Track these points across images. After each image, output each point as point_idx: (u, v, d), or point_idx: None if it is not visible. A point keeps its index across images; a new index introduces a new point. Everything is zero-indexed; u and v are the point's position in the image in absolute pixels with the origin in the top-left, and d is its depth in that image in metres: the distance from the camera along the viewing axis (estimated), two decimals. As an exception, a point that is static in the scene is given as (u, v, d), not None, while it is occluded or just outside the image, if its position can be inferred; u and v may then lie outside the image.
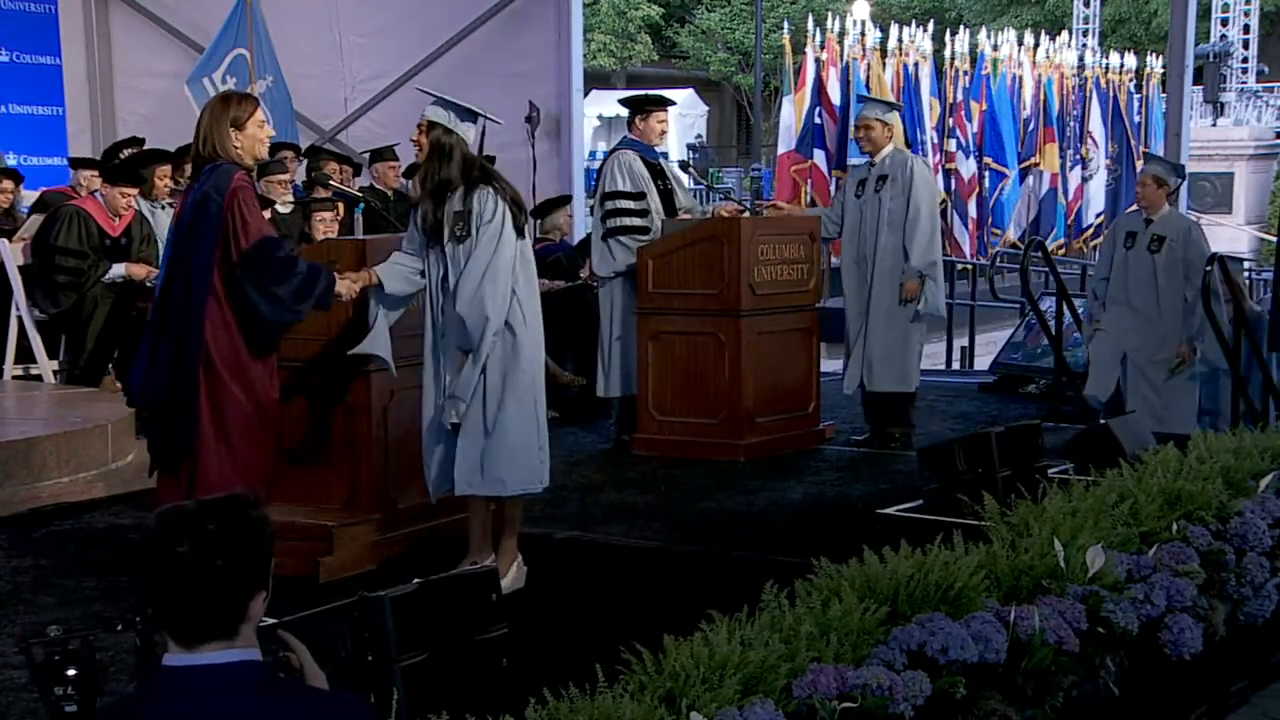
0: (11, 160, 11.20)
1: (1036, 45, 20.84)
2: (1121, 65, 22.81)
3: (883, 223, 8.20)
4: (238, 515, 2.50)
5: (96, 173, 9.35)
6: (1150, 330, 8.47)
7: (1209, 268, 8.60)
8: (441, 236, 5.48)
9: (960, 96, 19.11)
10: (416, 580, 3.84)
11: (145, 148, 9.79)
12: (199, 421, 5.10)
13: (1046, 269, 11.85)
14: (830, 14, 18.84)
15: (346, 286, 5.45)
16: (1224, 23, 33.05)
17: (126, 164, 9.27)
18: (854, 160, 16.16)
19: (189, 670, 2.44)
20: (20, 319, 8.81)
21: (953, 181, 18.66)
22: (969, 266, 16.70)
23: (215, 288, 5.09)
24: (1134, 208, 9.04)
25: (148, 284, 8.58)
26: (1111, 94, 22.42)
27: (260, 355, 5.19)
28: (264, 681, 2.48)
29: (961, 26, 24.35)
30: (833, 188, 16.81)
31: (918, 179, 8.25)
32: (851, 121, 16.42)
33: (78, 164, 10.38)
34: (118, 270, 8.62)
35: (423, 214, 5.56)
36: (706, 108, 41.64)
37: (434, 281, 5.55)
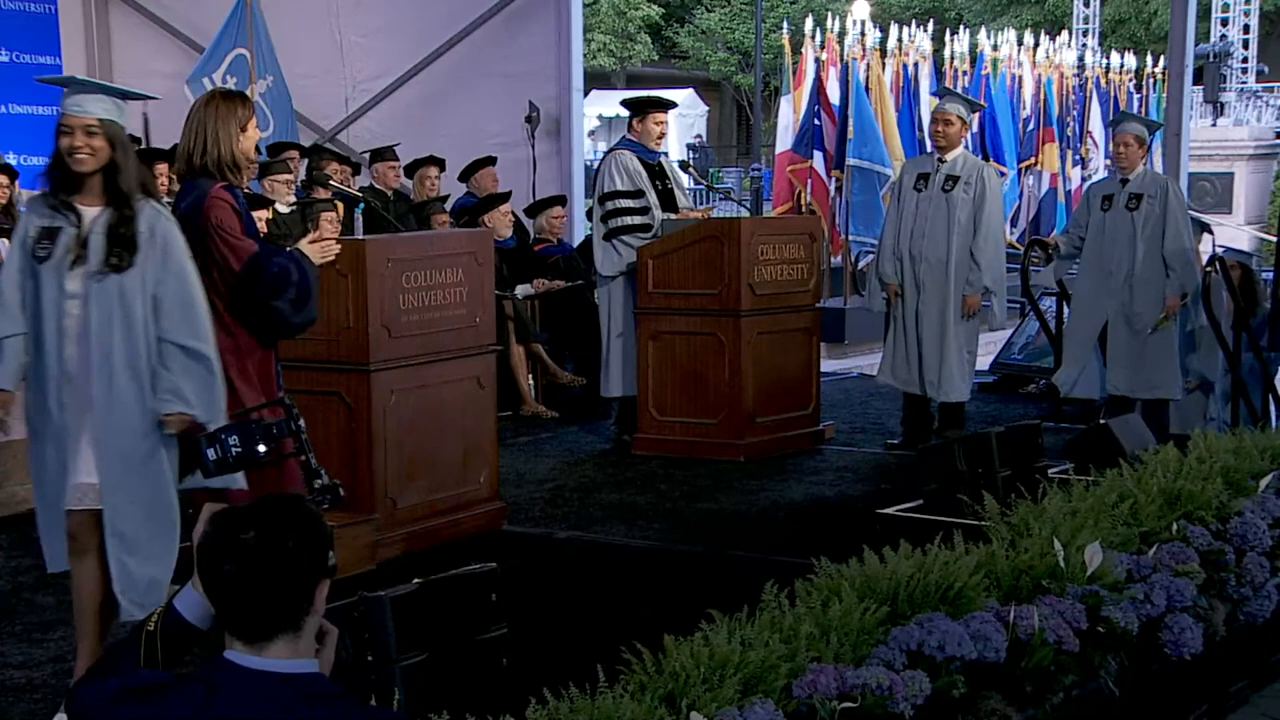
0: (12, 160, 11.19)
1: (1036, 45, 20.83)
2: (1121, 65, 22.81)
3: (954, 227, 8.09)
4: (294, 505, 2.57)
5: None
6: (1129, 290, 8.29)
7: (1210, 268, 8.58)
8: (85, 261, 4.29)
9: (959, 97, 19.10)
10: (416, 580, 3.84)
11: (144, 147, 9.81)
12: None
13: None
14: (830, 14, 18.84)
15: (318, 250, 5.20)
16: (1224, 23, 33.05)
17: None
18: (855, 160, 16.18)
19: (253, 674, 2.44)
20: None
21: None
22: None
23: None
24: (1107, 175, 8.93)
25: None
26: (1111, 94, 22.41)
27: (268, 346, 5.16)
28: (320, 694, 2.49)
29: (961, 26, 24.36)
30: (831, 189, 16.81)
31: (991, 190, 8.20)
32: (851, 122, 16.45)
33: None
34: None
35: (63, 233, 4.32)
36: (706, 108, 41.69)
37: (61, 321, 4.30)
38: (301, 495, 2.63)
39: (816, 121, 16.86)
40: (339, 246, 5.43)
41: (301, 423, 3.49)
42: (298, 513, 2.54)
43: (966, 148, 8.57)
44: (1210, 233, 9.95)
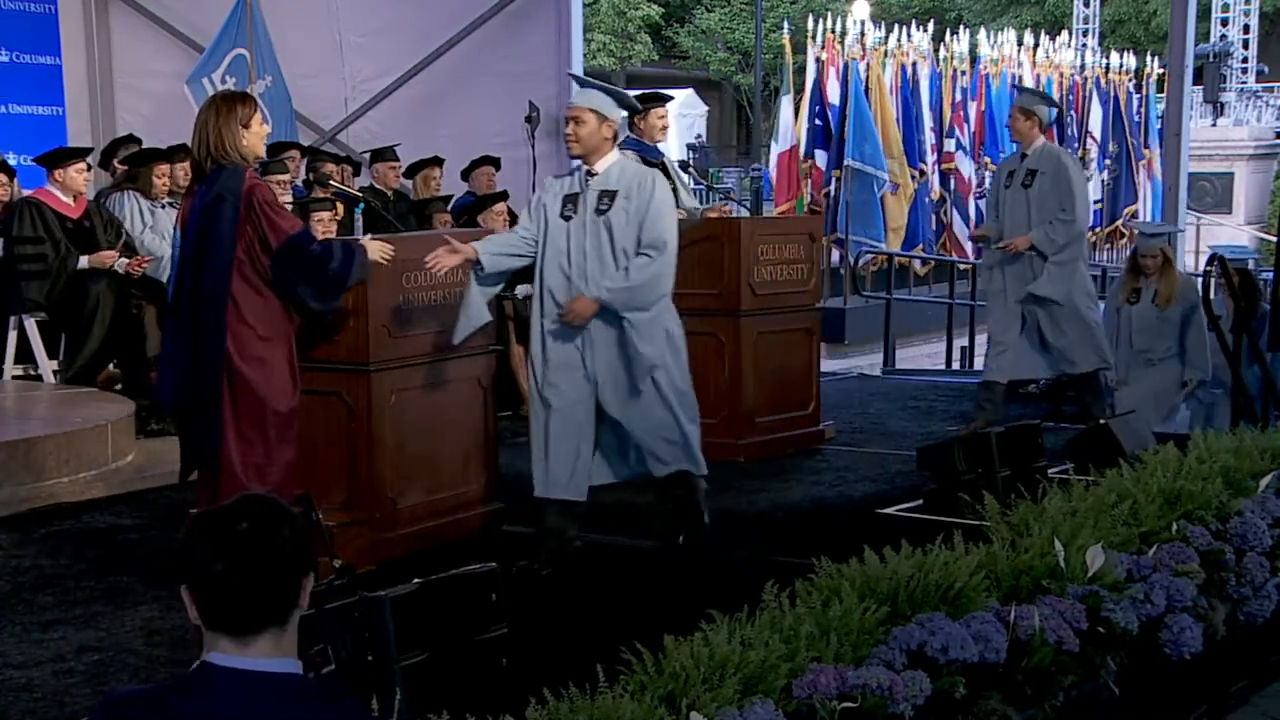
0: (12, 160, 11.20)
1: (1036, 45, 20.86)
2: (1121, 65, 22.84)
3: (620, 258, 5.81)
4: (278, 501, 2.59)
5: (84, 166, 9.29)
6: (1029, 268, 8.28)
7: (1209, 268, 8.57)
8: None
9: (960, 96, 19.12)
10: (416, 580, 3.84)
11: (143, 147, 9.79)
12: (222, 423, 5.12)
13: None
14: (830, 14, 18.86)
15: (379, 249, 5.48)
16: (1224, 23, 33.05)
17: (65, 150, 9.37)
18: (852, 161, 16.20)
19: (245, 675, 2.46)
20: (21, 319, 8.82)
21: (952, 181, 18.68)
22: (969, 266, 16.70)
23: (233, 289, 5.08)
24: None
25: (116, 269, 8.60)
26: (1111, 94, 22.45)
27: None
28: (303, 693, 2.50)
29: (961, 26, 24.38)
30: (831, 189, 16.85)
31: (657, 200, 5.81)
32: (850, 120, 16.49)
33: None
34: (82, 263, 8.65)
35: None
36: (706, 108, 41.65)
37: None
38: (274, 496, 2.68)
39: (819, 121, 16.90)
40: (391, 249, 5.56)
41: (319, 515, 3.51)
42: (284, 508, 2.57)
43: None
44: (1181, 232, 9.95)
